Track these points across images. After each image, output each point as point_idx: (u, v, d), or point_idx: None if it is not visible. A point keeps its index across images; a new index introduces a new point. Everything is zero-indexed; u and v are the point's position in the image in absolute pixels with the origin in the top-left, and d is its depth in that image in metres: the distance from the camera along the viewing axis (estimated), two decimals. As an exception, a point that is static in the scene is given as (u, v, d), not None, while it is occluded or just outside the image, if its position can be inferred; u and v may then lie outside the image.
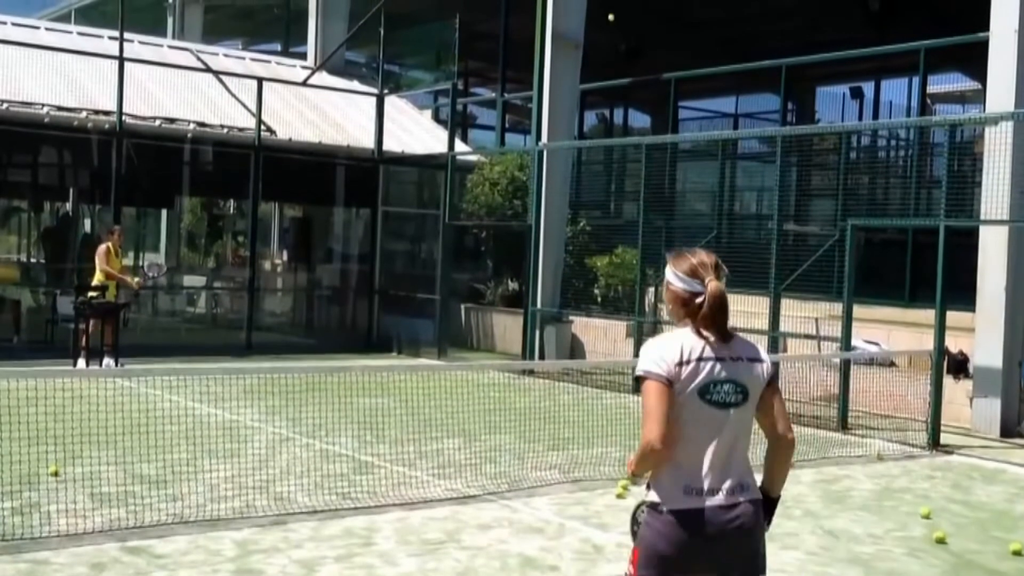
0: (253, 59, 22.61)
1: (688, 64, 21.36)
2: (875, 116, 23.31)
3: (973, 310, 12.23)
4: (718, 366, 3.44)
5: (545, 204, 16.71)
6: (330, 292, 20.62)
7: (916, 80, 18.78)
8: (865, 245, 16.33)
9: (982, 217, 11.77)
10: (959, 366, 12.49)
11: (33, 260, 21.50)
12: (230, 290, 20.69)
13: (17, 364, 11.56)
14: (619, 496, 7.90)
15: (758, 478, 3.54)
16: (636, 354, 9.01)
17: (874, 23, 21.01)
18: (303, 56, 23.64)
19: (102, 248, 14.24)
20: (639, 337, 14.57)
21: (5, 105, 15.69)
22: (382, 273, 19.50)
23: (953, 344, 12.20)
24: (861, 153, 21.50)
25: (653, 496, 3.44)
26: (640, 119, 29.75)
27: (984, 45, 12.34)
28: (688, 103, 25.28)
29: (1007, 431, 11.82)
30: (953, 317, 11.83)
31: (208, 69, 20.00)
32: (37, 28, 20.36)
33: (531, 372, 15.23)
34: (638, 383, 3.47)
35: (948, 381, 11.85)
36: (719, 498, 3.39)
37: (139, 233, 22.42)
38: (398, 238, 21.19)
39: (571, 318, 16.89)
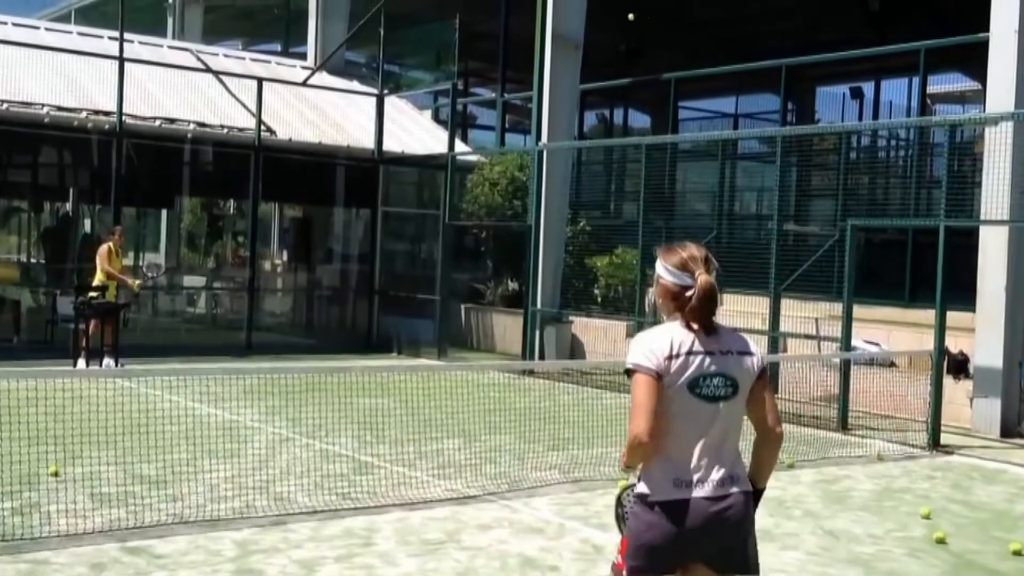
0: (253, 59, 22.60)
1: (688, 64, 21.37)
2: (875, 116, 23.28)
3: (973, 310, 12.23)
4: (708, 360, 3.44)
5: (545, 204, 16.70)
6: (330, 292, 20.62)
7: (916, 80, 18.76)
8: (865, 245, 16.33)
9: (982, 217, 11.77)
10: (959, 366, 12.48)
11: (33, 260, 21.46)
12: (230, 290, 20.68)
13: (17, 364, 11.55)
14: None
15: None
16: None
17: (874, 23, 21.02)
18: (303, 56, 23.64)
19: (103, 248, 14.26)
20: (639, 337, 14.54)
21: (5, 105, 15.69)
22: (382, 273, 19.49)
23: (953, 344, 12.19)
24: (861, 153, 21.47)
25: (643, 487, 3.46)
26: (640, 119, 29.73)
27: (984, 45, 12.34)
28: (688, 103, 25.25)
29: (1007, 431, 11.82)
30: (953, 317, 11.83)
31: (208, 69, 19.99)
32: (37, 28, 20.34)
33: (531, 372, 15.22)
34: (628, 375, 3.48)
35: (948, 381, 11.85)
36: (708, 489, 3.41)
37: (139, 233, 22.37)
38: (398, 238, 21.18)
39: (571, 318, 16.89)
